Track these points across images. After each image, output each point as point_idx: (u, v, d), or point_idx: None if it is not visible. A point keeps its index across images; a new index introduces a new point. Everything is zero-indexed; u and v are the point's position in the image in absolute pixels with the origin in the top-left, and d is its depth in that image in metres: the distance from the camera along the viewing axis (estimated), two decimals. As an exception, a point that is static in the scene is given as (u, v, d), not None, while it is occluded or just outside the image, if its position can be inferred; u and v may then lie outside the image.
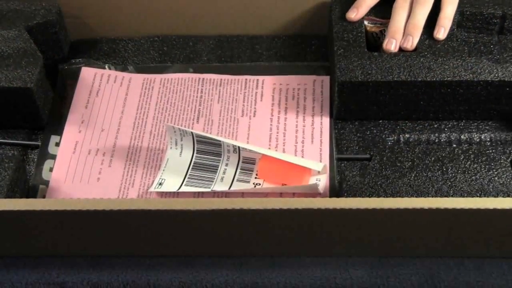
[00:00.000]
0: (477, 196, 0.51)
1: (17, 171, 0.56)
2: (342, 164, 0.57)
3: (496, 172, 0.53)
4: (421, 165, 0.53)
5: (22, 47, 0.59)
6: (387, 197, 0.51)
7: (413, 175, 0.52)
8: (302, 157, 0.57)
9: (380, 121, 0.60)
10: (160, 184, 0.55)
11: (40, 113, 0.59)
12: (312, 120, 0.60)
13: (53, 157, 0.58)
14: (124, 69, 0.65)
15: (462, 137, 0.59)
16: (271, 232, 0.50)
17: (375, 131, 0.60)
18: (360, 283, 0.51)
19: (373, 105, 0.59)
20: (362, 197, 0.51)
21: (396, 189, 0.51)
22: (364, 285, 0.51)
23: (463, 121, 0.60)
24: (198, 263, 0.53)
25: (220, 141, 0.56)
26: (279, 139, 0.59)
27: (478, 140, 0.59)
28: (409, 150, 0.54)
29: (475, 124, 0.60)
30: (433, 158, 0.54)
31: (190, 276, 0.52)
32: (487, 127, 0.60)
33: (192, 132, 0.56)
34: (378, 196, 0.51)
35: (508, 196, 0.51)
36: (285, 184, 0.55)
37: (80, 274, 0.53)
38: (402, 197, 0.50)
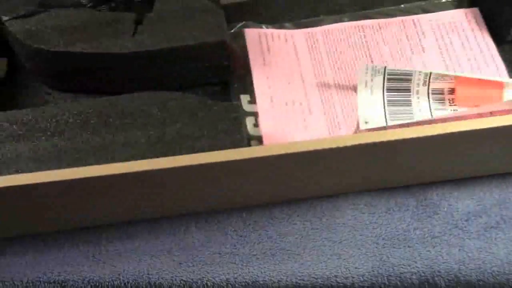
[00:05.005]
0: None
1: None
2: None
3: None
4: None
5: (200, 5, 0.60)
6: None
7: None
8: (483, 82, 0.61)
9: None
10: (366, 122, 0.58)
11: (230, 68, 0.61)
12: (480, 49, 0.63)
13: (251, 114, 0.60)
14: (281, 27, 0.67)
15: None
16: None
17: None
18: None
19: None
20: None
21: None
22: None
23: None
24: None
25: (411, 71, 0.59)
26: (456, 70, 0.62)
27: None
28: None
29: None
30: None
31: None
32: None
33: (385, 67, 0.59)
34: None
35: None
36: (479, 105, 0.58)
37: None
38: None
